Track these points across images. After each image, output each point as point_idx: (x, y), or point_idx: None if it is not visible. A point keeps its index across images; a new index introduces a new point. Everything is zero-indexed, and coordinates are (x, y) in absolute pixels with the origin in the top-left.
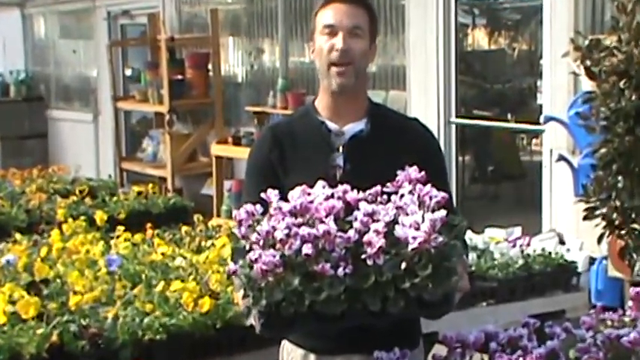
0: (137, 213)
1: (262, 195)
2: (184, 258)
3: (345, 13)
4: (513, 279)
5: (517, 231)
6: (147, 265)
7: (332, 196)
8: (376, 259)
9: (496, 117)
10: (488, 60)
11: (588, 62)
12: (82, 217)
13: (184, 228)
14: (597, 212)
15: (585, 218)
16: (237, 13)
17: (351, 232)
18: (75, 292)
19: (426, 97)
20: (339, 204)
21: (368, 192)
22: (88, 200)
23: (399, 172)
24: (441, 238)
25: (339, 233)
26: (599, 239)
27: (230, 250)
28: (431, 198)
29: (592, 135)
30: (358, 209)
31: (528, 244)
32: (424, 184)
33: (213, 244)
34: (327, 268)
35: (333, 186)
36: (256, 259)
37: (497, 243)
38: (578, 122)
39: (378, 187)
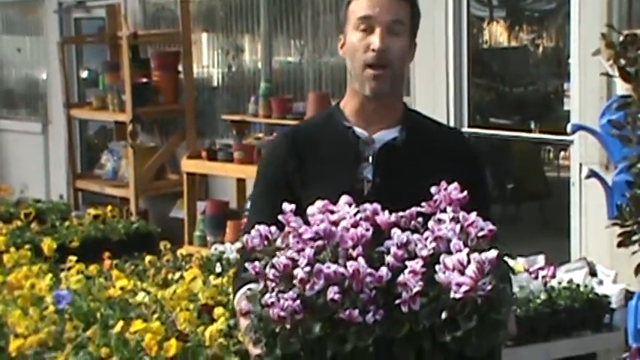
0: (93, 240)
1: (275, 212)
2: (147, 293)
3: (383, 5)
4: (535, 317)
5: (540, 260)
6: (103, 301)
7: (359, 217)
8: (412, 304)
9: (517, 126)
10: (508, 59)
11: (623, 61)
12: (27, 246)
13: (148, 258)
14: (635, 237)
15: (620, 245)
16: (211, 4)
17: (382, 270)
18: (17, 335)
19: (433, 103)
20: (369, 233)
21: (401, 214)
22: (34, 226)
23: (433, 189)
24: (489, 286)
25: (369, 270)
26: (637, 269)
27: (233, 274)
28: (476, 229)
29: (628, 147)
30: (389, 237)
31: (553, 276)
32: (466, 208)
33: (182, 277)
34: (354, 314)
35: (359, 202)
36: (273, 303)
37: (515, 274)
38: (611, 132)
39: (413, 210)
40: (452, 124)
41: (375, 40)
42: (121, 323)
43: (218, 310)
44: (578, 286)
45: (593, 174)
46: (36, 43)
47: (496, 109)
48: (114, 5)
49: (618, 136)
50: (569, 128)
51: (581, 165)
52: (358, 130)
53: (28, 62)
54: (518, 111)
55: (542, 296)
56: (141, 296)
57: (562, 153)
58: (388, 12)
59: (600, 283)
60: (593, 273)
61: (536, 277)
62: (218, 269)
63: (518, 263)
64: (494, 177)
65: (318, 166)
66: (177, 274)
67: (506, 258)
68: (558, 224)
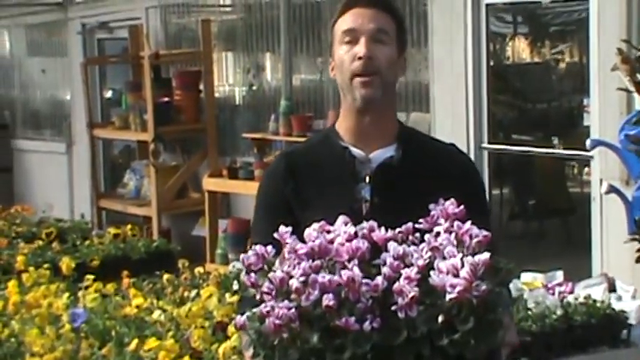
0: (113, 259)
1: (275, 235)
2: (163, 311)
3: (366, 16)
4: (551, 332)
5: (558, 275)
6: (118, 319)
7: (355, 234)
8: (408, 311)
9: (538, 142)
10: (529, 75)
11: (639, 76)
12: (47, 265)
13: (166, 276)
14: None
15: (639, 260)
16: (232, 24)
17: (378, 279)
18: (33, 354)
19: (452, 120)
20: (364, 245)
21: (398, 230)
22: (55, 245)
23: (431, 206)
24: (484, 286)
25: (365, 280)
26: None
27: (237, 299)
28: (471, 237)
29: None
30: (386, 251)
31: (571, 291)
32: (463, 221)
33: (198, 295)
34: (351, 322)
35: (357, 222)
36: (268, 312)
37: (532, 290)
38: (629, 147)
39: (410, 225)
40: (472, 140)
41: (360, 48)
42: (135, 341)
43: (232, 328)
44: (595, 301)
45: (612, 189)
46: (60, 64)
47: (518, 125)
48: (136, 26)
49: (635, 151)
50: (588, 144)
51: (601, 180)
52: (354, 149)
53: (53, 83)
54: (540, 127)
55: (559, 312)
56: (156, 314)
57: (586, 169)
58: (371, 21)
59: (619, 298)
60: (612, 289)
61: (553, 293)
62: (235, 287)
63: (536, 279)
64: (516, 193)
65: (315, 188)
66: (194, 292)
67: (506, 267)
68: (580, 240)
